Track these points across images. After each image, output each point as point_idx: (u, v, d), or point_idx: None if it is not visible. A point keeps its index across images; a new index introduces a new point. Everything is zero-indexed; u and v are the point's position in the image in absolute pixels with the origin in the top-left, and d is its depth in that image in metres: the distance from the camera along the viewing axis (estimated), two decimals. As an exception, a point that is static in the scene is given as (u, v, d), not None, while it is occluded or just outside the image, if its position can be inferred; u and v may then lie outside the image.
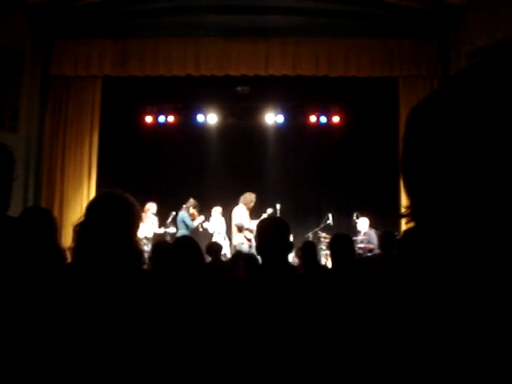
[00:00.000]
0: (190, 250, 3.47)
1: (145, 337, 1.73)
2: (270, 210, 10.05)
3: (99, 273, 1.81)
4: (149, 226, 10.05)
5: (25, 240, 2.14)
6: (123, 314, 1.74)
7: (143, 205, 10.18)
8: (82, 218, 1.88)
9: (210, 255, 6.38)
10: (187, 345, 1.91)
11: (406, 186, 0.79)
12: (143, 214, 9.99)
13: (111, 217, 1.85)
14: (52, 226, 2.41)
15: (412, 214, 0.78)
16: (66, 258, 2.94)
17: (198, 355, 2.31)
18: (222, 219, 10.44)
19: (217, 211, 10.45)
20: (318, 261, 6.16)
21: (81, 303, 1.75)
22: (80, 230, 1.86)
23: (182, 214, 10.07)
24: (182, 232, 9.69)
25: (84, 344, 1.69)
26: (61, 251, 2.40)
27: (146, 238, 9.80)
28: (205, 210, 10.47)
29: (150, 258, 4.44)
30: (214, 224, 10.37)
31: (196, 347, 2.28)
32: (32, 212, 2.43)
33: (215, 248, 6.69)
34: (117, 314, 1.73)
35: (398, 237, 8.15)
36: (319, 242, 10.23)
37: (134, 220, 1.91)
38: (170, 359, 1.76)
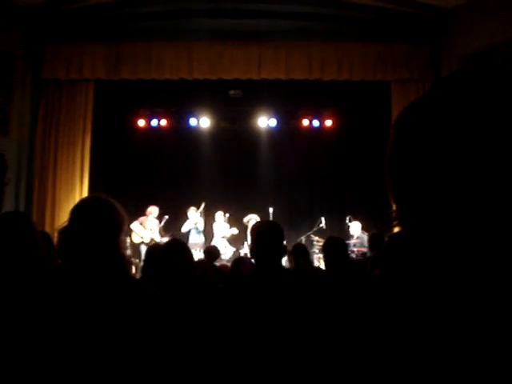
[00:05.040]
0: (179, 253, 3.49)
1: (126, 342, 1.72)
2: (270, 210, 10.22)
3: (81, 277, 1.79)
4: (148, 232, 10.11)
5: (8, 243, 2.14)
6: (103, 319, 1.72)
7: (139, 208, 10.21)
8: (66, 222, 1.88)
9: (206, 257, 6.45)
10: (172, 350, 1.90)
11: (391, 190, 0.79)
12: (144, 218, 10.05)
13: (95, 221, 1.84)
14: (31, 228, 2.39)
15: (398, 218, 0.79)
16: (50, 260, 2.92)
17: (184, 359, 2.30)
18: (225, 224, 10.52)
19: (221, 215, 10.54)
20: (311, 262, 6.21)
21: (61, 308, 1.74)
22: (63, 233, 1.86)
23: None
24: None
25: (62, 349, 1.68)
26: (42, 253, 2.39)
27: (143, 243, 9.89)
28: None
29: (144, 260, 4.47)
30: (217, 227, 10.57)
31: (182, 352, 2.27)
32: (10, 216, 2.41)
33: (212, 251, 6.73)
34: (97, 320, 1.71)
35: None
36: (312, 245, 10.24)
37: (118, 225, 1.89)
38: (153, 365, 1.75)
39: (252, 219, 10.02)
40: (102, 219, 1.85)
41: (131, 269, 4.36)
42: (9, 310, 1.75)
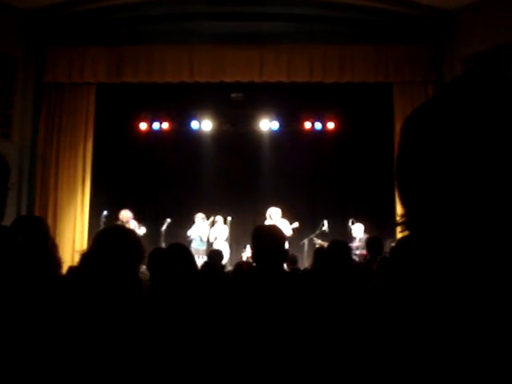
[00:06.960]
0: (181, 256, 3.50)
1: (134, 366, 1.80)
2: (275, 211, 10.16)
3: (98, 302, 1.89)
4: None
5: (18, 249, 2.13)
6: (115, 343, 1.80)
7: (141, 211, 10.10)
8: (90, 249, 2.03)
9: (210, 261, 6.44)
10: (175, 370, 1.96)
11: (400, 195, 0.78)
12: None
13: (120, 250, 1.97)
14: (44, 234, 2.40)
15: (406, 223, 0.77)
16: (60, 266, 2.93)
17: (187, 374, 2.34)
18: (225, 227, 10.47)
19: (219, 220, 10.49)
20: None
21: (77, 326, 1.80)
22: (86, 260, 2.01)
23: None
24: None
25: (70, 362, 1.72)
26: (54, 259, 2.40)
27: None
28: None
29: (146, 264, 4.45)
30: (216, 232, 10.49)
31: (184, 369, 2.33)
32: (24, 220, 2.42)
33: (216, 254, 6.74)
34: (109, 343, 1.79)
35: (393, 244, 8.18)
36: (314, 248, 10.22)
37: (138, 256, 2.04)
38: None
39: (273, 212, 10.00)
40: (125, 250, 1.98)
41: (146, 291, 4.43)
42: (18, 316, 1.77)
